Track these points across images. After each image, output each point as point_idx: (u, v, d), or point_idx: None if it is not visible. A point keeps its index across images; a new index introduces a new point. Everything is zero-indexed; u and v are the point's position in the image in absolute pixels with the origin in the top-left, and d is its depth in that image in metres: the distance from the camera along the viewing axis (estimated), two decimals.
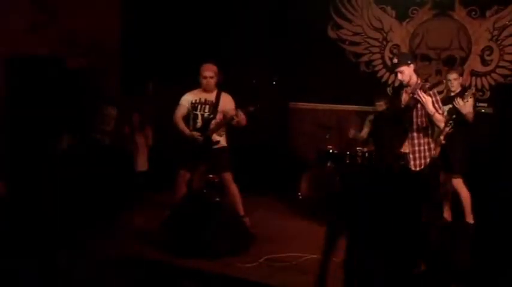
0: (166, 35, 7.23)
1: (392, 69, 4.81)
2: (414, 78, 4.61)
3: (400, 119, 4.63)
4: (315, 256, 4.58)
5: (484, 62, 6.44)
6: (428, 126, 4.62)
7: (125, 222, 5.48)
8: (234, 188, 5.32)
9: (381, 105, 6.34)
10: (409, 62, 4.59)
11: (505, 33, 6.32)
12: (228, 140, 5.43)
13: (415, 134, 4.60)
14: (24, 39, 5.89)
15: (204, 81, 5.29)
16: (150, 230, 5.10)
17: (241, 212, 5.33)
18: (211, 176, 5.57)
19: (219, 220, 4.75)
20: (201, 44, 7.07)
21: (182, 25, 7.28)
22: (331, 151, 6.27)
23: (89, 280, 4.05)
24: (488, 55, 6.43)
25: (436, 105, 4.48)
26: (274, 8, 7.19)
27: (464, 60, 6.51)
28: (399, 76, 4.62)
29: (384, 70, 6.93)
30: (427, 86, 4.51)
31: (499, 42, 6.36)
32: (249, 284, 4.12)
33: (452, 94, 5.49)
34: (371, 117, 6.48)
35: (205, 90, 5.32)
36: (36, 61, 6.03)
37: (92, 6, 6.77)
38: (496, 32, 6.36)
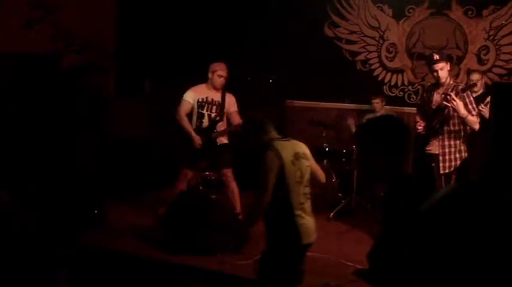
0: (162, 34, 7.20)
1: (431, 66, 4.58)
2: (448, 78, 4.52)
3: (430, 120, 4.53)
4: (309, 254, 4.58)
5: (481, 61, 6.43)
6: (461, 129, 4.51)
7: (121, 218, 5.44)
8: (234, 185, 5.31)
9: (377, 103, 6.33)
10: (447, 59, 4.49)
11: (502, 32, 6.32)
12: (229, 138, 5.44)
13: (445, 136, 4.50)
14: (18, 36, 5.83)
15: (218, 80, 5.25)
16: (147, 226, 5.11)
17: (238, 209, 5.30)
18: (207, 173, 5.54)
19: (214, 217, 4.72)
20: (197, 43, 7.05)
21: (178, 24, 7.26)
22: (326, 148, 6.26)
23: (86, 278, 4.03)
24: (484, 54, 6.43)
25: (470, 106, 4.36)
26: (270, 7, 7.17)
27: (460, 59, 6.50)
28: (439, 73, 4.48)
29: (380, 69, 6.92)
30: (460, 87, 4.42)
31: (495, 41, 6.36)
32: (244, 281, 4.09)
33: (475, 95, 5.23)
34: (369, 115, 6.47)
35: (214, 89, 5.28)
36: (30, 58, 5.96)
37: (89, 4, 6.73)
38: (492, 32, 6.36)
